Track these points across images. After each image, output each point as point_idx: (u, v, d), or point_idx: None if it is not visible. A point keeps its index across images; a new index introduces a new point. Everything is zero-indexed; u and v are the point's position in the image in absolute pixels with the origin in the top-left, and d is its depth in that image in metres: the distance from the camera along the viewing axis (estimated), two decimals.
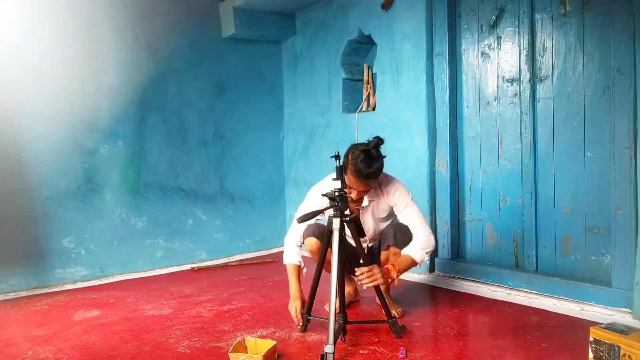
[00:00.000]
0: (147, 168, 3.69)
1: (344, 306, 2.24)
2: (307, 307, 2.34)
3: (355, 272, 2.31)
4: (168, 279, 3.55)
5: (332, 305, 2.01)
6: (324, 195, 2.14)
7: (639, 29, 2.27)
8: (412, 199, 2.48)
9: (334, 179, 2.15)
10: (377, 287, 2.44)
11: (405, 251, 2.38)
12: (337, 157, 2.13)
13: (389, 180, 2.48)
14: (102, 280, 3.48)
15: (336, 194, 2.09)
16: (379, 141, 2.29)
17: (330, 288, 2.05)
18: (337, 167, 2.12)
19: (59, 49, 3.32)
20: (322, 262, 2.26)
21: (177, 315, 2.70)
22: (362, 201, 2.43)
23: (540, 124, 2.81)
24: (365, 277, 2.17)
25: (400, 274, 2.31)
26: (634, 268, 2.31)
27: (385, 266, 2.28)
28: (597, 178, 2.58)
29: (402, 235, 2.42)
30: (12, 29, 3.16)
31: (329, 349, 1.93)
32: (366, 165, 2.21)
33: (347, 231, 2.63)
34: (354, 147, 2.29)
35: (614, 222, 2.43)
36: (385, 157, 2.31)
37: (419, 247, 2.37)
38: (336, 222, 2.11)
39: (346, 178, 2.25)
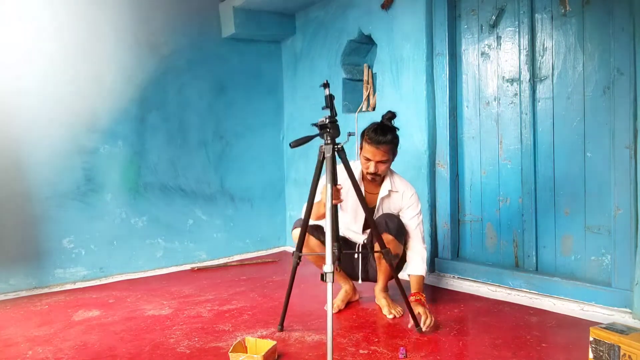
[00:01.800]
0: (147, 168, 3.69)
1: (339, 236, 2.23)
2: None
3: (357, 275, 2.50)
4: (168, 279, 3.55)
5: (329, 232, 2.02)
6: (313, 125, 2.15)
7: (639, 29, 2.28)
8: (420, 211, 2.60)
9: (323, 108, 2.14)
10: (375, 286, 2.47)
11: (414, 271, 2.52)
12: (325, 85, 2.13)
13: (408, 184, 2.62)
14: (102, 280, 3.48)
15: (327, 120, 2.09)
16: (392, 115, 2.52)
17: (326, 220, 2.07)
18: (326, 96, 2.12)
19: (59, 49, 3.32)
20: (309, 213, 2.29)
21: (177, 315, 2.70)
22: (379, 179, 2.52)
23: (540, 124, 2.81)
24: (429, 321, 2.30)
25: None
26: (634, 268, 2.31)
27: (416, 299, 2.40)
28: (597, 178, 2.58)
29: (392, 223, 2.46)
30: (11, 29, 3.16)
31: (328, 268, 1.95)
32: (380, 132, 2.41)
33: (345, 230, 2.66)
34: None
35: (614, 222, 2.43)
36: (398, 129, 2.51)
37: (421, 261, 2.51)
38: (328, 150, 2.11)
39: (361, 154, 2.48)
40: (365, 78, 3.71)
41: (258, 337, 2.15)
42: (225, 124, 4.06)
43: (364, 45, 3.78)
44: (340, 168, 2.36)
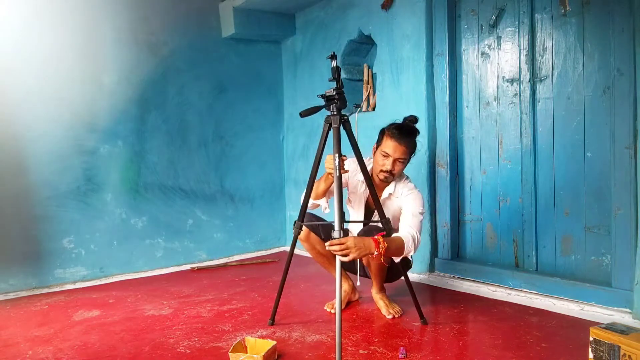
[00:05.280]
0: (147, 168, 3.69)
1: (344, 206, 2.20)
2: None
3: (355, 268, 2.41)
4: (168, 279, 3.55)
5: (337, 198, 2.03)
6: (320, 96, 2.16)
7: (639, 29, 2.28)
8: (422, 213, 2.43)
9: (330, 80, 2.15)
10: (372, 289, 2.43)
11: (397, 235, 2.29)
12: (333, 57, 2.15)
13: (411, 186, 2.50)
14: (102, 280, 3.48)
15: (334, 92, 2.11)
16: (414, 118, 2.51)
17: (334, 188, 2.09)
18: (332, 68, 2.13)
19: (59, 49, 3.32)
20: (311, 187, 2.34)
21: (177, 315, 2.69)
22: (392, 177, 2.46)
23: (540, 124, 2.81)
24: (338, 248, 2.01)
25: (387, 252, 2.15)
26: (634, 268, 2.32)
27: (374, 237, 2.13)
28: (597, 178, 2.58)
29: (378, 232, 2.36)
30: (12, 28, 3.16)
31: (337, 234, 2.00)
32: (406, 131, 2.42)
33: (349, 227, 2.66)
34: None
35: (614, 222, 2.43)
36: (419, 133, 2.50)
37: (410, 238, 2.28)
38: (335, 120, 2.13)
39: (379, 150, 2.44)
40: (365, 78, 3.71)
41: (258, 337, 2.14)
42: (225, 124, 4.06)
43: (364, 45, 3.79)
44: (349, 165, 2.37)
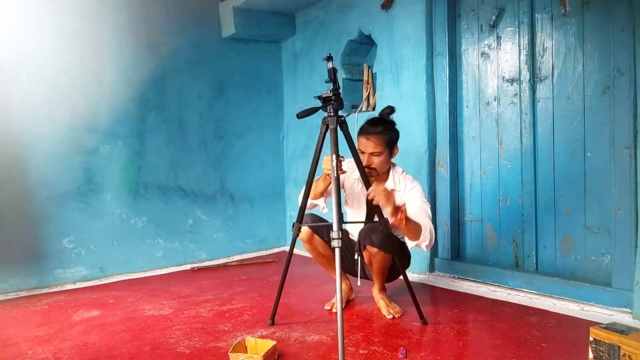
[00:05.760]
0: (147, 168, 3.69)
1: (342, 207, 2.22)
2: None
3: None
4: (168, 279, 3.55)
5: (334, 199, 2.04)
6: (316, 97, 2.18)
7: (639, 29, 2.28)
8: (426, 202, 2.46)
9: (326, 81, 2.17)
10: (372, 289, 2.43)
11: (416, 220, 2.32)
12: (329, 58, 2.16)
13: (411, 179, 2.55)
14: (102, 280, 3.48)
15: (331, 93, 2.13)
16: (390, 110, 2.54)
17: (332, 187, 2.09)
18: (329, 70, 2.14)
19: (59, 49, 3.32)
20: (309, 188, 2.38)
21: (177, 315, 2.70)
22: (378, 175, 2.49)
23: (540, 124, 2.81)
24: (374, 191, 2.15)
25: (407, 222, 2.22)
26: (634, 268, 2.32)
27: (400, 205, 2.21)
28: (597, 178, 2.58)
29: (376, 235, 2.37)
30: (12, 29, 3.16)
31: (335, 235, 2.00)
32: (371, 123, 2.44)
33: (347, 228, 2.66)
34: None
35: (614, 222, 2.43)
36: (395, 124, 2.51)
37: (428, 228, 2.33)
38: (332, 122, 2.14)
39: (358, 150, 2.43)
40: (365, 78, 3.71)
41: (258, 337, 2.14)
42: (225, 124, 4.06)
43: (364, 45, 3.78)
44: (346, 165, 2.36)
